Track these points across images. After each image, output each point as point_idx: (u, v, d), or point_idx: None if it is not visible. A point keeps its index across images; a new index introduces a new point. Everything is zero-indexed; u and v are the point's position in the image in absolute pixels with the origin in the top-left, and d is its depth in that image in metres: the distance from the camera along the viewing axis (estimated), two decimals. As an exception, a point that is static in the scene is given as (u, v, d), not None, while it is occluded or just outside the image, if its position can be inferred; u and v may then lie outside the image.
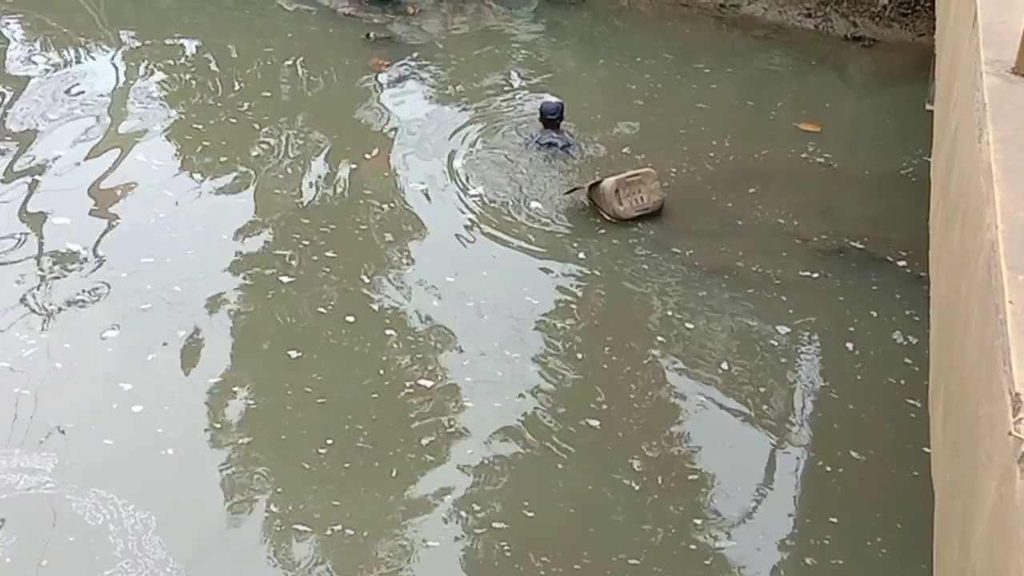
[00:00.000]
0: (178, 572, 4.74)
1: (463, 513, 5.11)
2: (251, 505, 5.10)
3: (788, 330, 6.39)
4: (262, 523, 5.03)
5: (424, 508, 5.14)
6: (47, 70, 9.40)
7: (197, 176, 7.94)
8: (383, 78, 9.56)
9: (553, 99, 8.48)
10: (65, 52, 9.79)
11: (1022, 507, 2.02)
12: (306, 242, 7.10)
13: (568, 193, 7.63)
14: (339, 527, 5.01)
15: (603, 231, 7.38)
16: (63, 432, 5.39)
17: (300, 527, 4.99)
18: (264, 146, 8.31)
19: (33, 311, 6.19)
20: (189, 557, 4.82)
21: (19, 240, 6.92)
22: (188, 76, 9.42)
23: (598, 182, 7.47)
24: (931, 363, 4.26)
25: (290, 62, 9.81)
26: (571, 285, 6.82)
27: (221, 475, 5.24)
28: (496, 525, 5.03)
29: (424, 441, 5.47)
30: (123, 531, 4.90)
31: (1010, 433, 2.16)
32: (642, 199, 7.39)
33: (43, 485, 5.13)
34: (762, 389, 5.93)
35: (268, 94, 9.18)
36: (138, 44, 10.06)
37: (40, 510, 5.00)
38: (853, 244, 7.20)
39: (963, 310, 3.16)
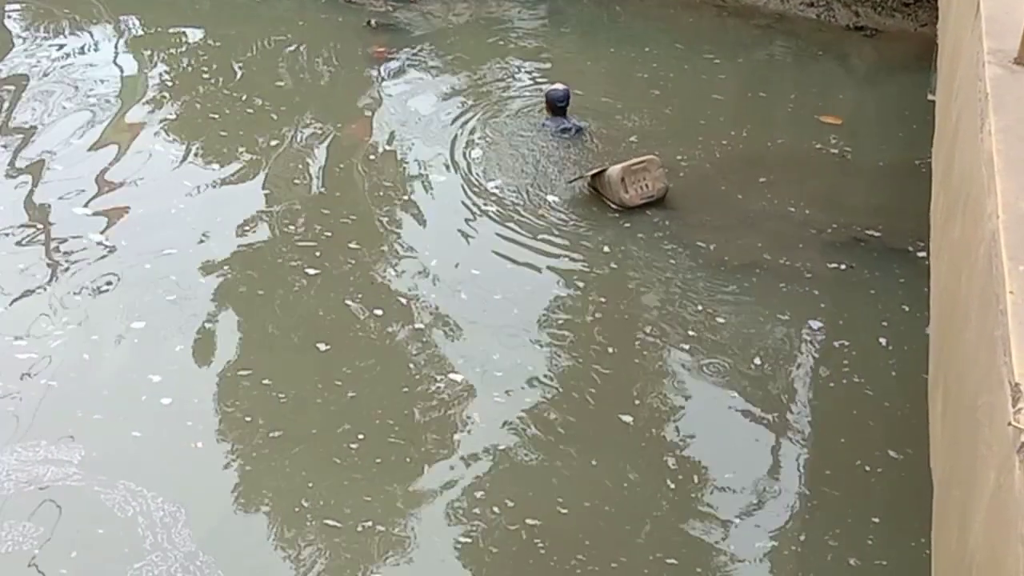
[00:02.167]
0: (208, 565, 4.69)
1: (496, 509, 5.04)
2: (282, 500, 5.04)
3: (820, 324, 6.32)
4: (293, 518, 4.96)
5: (456, 504, 5.07)
6: (51, 58, 9.34)
7: (214, 166, 7.89)
8: (385, 65, 9.51)
9: (560, 86, 8.41)
10: (68, 40, 9.76)
11: (1021, 497, 2.00)
12: (328, 233, 7.04)
13: (571, 182, 7.58)
14: (370, 523, 4.94)
15: (627, 225, 7.32)
16: (90, 424, 5.34)
17: (331, 522, 4.93)
18: (277, 135, 8.27)
19: (59, 302, 6.12)
20: (219, 551, 4.76)
21: (40, 232, 6.86)
22: (194, 64, 9.40)
23: (602, 170, 7.42)
24: (931, 353, 4.26)
25: (294, 49, 9.78)
26: (599, 279, 6.75)
27: (251, 469, 5.18)
28: (529, 522, 4.96)
29: (456, 436, 5.41)
30: (152, 524, 4.85)
31: (1009, 423, 2.15)
32: (647, 186, 7.34)
33: (70, 477, 5.08)
34: (796, 385, 5.86)
35: (281, 83, 9.14)
36: (141, 32, 10.05)
37: (68, 502, 4.94)
38: (869, 234, 7.14)
39: (963, 300, 3.16)
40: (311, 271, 6.61)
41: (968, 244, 3.22)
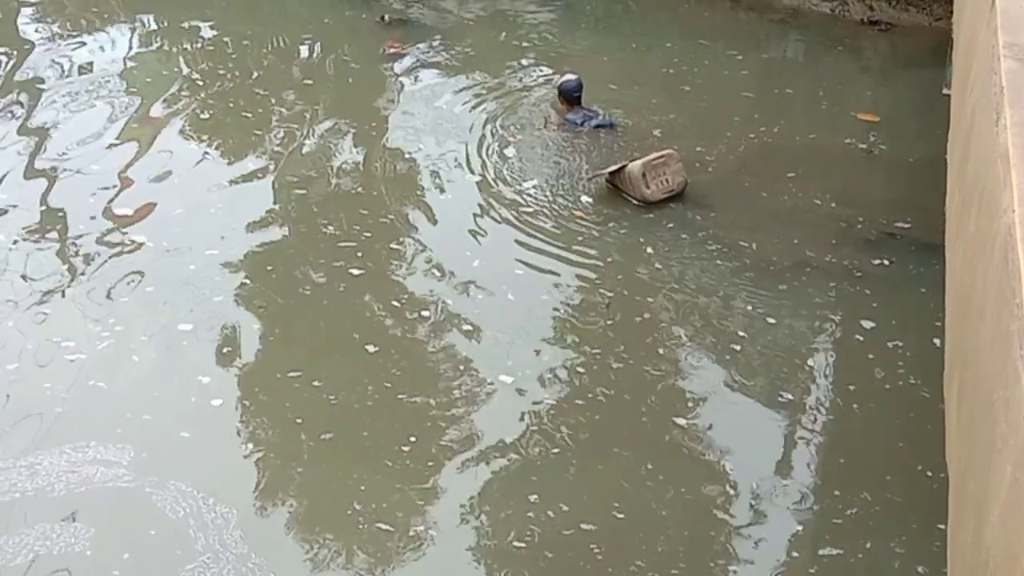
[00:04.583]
0: (259, 567, 4.64)
1: (550, 513, 4.97)
2: (333, 503, 4.99)
3: (872, 324, 6.21)
4: (345, 521, 4.91)
5: (510, 508, 5.00)
6: (69, 56, 9.37)
7: (248, 164, 7.89)
8: (399, 61, 9.47)
9: (572, 76, 8.32)
10: (85, 37, 9.80)
11: None
12: (368, 233, 7.00)
13: (590, 179, 7.55)
14: (422, 527, 4.89)
15: (670, 225, 7.25)
16: (139, 425, 5.30)
17: (383, 526, 4.87)
18: (306, 134, 8.27)
19: (106, 304, 6.09)
20: (270, 553, 4.71)
21: (84, 232, 6.83)
22: (217, 61, 9.40)
23: (622, 167, 7.37)
24: (946, 348, 4.21)
25: (315, 46, 9.78)
26: (645, 281, 6.67)
27: (303, 471, 5.13)
28: (585, 527, 4.89)
29: (508, 439, 5.34)
30: (204, 525, 4.80)
31: None
32: (667, 181, 7.32)
33: (121, 478, 5.04)
34: (851, 387, 5.76)
35: (310, 81, 9.15)
36: (154, 27, 10.07)
37: (119, 503, 4.91)
38: (899, 226, 7.08)
39: (979, 294, 3.14)
40: (355, 271, 6.56)
41: (984, 238, 3.19)
